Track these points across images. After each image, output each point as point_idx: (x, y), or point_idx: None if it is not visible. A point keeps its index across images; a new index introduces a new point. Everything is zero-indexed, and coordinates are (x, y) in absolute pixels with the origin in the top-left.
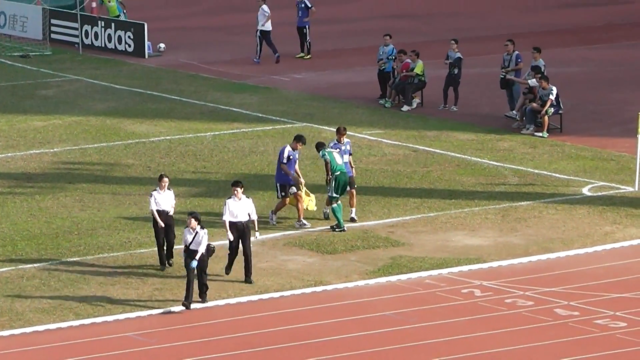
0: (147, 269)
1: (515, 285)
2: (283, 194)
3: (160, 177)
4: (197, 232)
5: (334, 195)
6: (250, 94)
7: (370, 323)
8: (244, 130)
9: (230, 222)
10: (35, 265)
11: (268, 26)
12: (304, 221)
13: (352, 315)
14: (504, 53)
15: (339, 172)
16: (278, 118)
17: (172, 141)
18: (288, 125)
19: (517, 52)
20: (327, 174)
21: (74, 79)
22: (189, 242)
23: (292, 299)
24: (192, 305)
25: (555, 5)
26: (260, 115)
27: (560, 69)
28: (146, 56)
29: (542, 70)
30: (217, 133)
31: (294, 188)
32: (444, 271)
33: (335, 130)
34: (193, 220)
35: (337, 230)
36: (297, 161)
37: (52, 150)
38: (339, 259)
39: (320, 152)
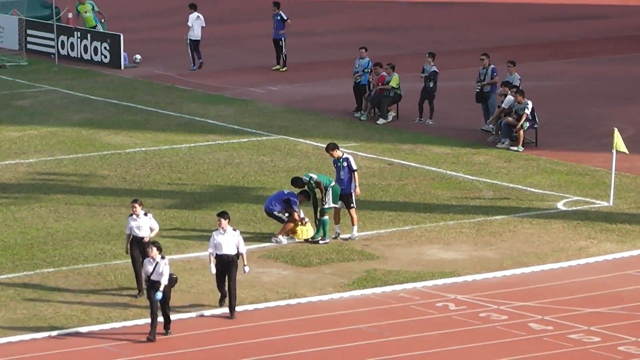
0: (121, 280)
1: (489, 299)
2: (287, 214)
3: (132, 202)
4: (157, 263)
5: (332, 206)
6: (226, 106)
7: (344, 336)
8: (220, 142)
9: (216, 254)
10: (9, 275)
11: (199, 35)
12: (281, 237)
13: (326, 328)
14: (479, 67)
15: (333, 184)
16: (254, 130)
17: (148, 152)
18: (264, 138)
19: (492, 65)
20: (322, 193)
21: (49, 89)
22: (150, 273)
23: (266, 311)
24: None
25: (531, 19)
26: (236, 127)
27: (536, 83)
28: (122, 67)
29: (518, 84)
30: (192, 145)
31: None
32: (419, 284)
33: (307, 141)
34: (154, 249)
35: (321, 242)
36: None
37: (27, 161)
38: (313, 271)
39: (304, 177)
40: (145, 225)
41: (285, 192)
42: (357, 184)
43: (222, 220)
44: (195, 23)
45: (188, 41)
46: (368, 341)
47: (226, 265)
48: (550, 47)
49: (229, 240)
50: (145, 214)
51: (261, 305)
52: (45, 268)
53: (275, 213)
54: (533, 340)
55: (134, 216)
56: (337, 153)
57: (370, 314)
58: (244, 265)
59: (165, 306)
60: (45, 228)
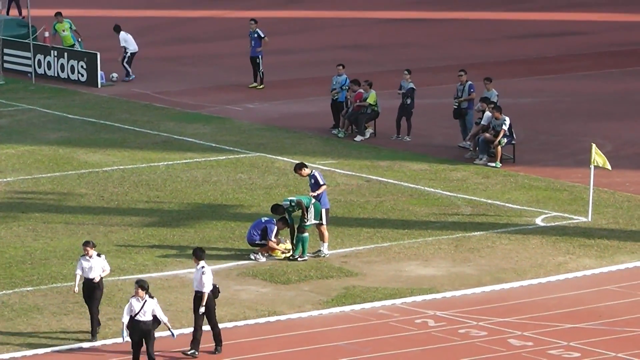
0: (116, 294)
1: (468, 316)
2: (264, 241)
3: (84, 244)
4: (145, 302)
5: (313, 222)
6: (203, 124)
7: (323, 353)
8: (197, 160)
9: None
10: None
11: (136, 47)
12: (260, 255)
13: (305, 345)
14: (457, 83)
15: (314, 201)
16: (231, 148)
17: (125, 171)
18: (241, 155)
19: (470, 82)
20: (305, 212)
21: (26, 108)
22: (136, 312)
23: (245, 329)
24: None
25: (508, 36)
26: (214, 145)
27: (512, 99)
28: (99, 86)
29: (496, 100)
30: (170, 163)
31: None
32: (398, 301)
33: (285, 159)
34: (140, 289)
35: (299, 259)
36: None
37: (4, 180)
38: (292, 289)
39: (284, 203)
40: (97, 266)
41: (263, 220)
42: (316, 193)
43: (194, 258)
44: (128, 38)
45: (129, 54)
46: (347, 358)
47: (195, 300)
48: (526, 63)
49: (196, 276)
50: (99, 255)
51: (240, 323)
52: (24, 287)
53: (257, 242)
54: (513, 356)
55: (87, 257)
56: (306, 171)
57: (349, 331)
58: (201, 305)
59: (150, 345)
60: (23, 247)
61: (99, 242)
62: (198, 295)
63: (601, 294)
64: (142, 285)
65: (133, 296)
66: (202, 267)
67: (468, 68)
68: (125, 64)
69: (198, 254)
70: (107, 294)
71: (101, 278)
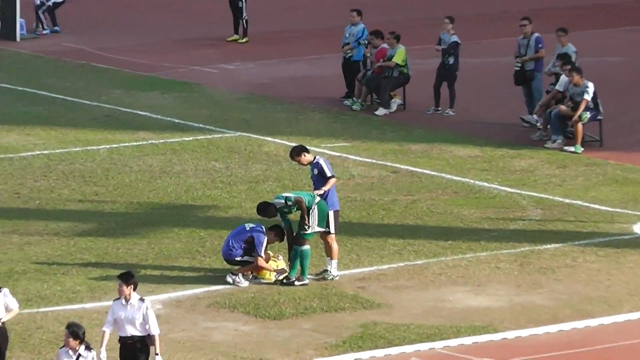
0: (13, 339)
1: None
2: (248, 257)
3: None
4: (79, 356)
5: (317, 230)
6: (163, 92)
7: None
8: (153, 142)
9: (120, 336)
10: None
11: None
12: (241, 277)
13: None
14: (519, 36)
15: (318, 200)
16: (202, 125)
17: (52, 157)
18: (216, 136)
19: (537, 34)
20: (306, 215)
21: None
22: None
23: None
24: None
25: None
26: (177, 121)
27: (595, 58)
28: (18, 39)
29: (573, 59)
30: (115, 146)
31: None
32: (438, 345)
33: (277, 140)
34: (71, 339)
35: (297, 283)
36: None
37: None
38: (287, 326)
39: (276, 201)
40: None
41: (248, 228)
42: (322, 190)
43: (124, 287)
44: None
45: (50, 4)
46: None
47: (129, 353)
48: (613, 9)
49: (134, 316)
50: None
51: None
52: None
53: (238, 259)
54: None
55: None
56: (307, 158)
57: None
58: (156, 354)
59: None
60: None
61: (12, 259)
62: (143, 342)
63: None
64: (74, 332)
65: (62, 347)
66: (142, 299)
67: (532, 16)
68: (42, 12)
69: (136, 282)
70: (20, 334)
71: (3, 323)
